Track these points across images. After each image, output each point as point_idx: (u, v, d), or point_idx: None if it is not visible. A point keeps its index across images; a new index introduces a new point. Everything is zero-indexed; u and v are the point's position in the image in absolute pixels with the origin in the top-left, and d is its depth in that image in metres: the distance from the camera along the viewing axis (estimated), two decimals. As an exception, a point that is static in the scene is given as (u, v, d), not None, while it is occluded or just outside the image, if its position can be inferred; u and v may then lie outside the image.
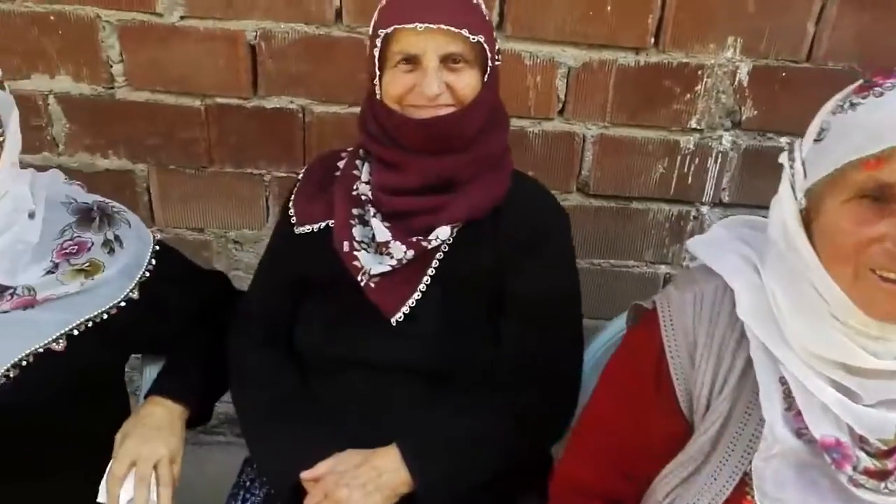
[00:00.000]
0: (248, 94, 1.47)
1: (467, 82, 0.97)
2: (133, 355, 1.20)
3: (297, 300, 1.12)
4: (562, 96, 1.48)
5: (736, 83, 1.47)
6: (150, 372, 1.21)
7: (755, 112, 1.49)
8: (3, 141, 0.93)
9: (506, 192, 1.04)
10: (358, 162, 1.09)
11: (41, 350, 0.96)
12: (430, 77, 0.95)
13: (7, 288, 0.95)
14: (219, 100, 1.48)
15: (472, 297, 1.04)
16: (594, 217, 1.59)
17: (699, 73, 1.46)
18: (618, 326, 1.13)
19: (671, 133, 1.51)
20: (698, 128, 1.50)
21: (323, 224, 1.08)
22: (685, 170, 1.54)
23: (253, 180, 1.57)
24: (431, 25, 0.92)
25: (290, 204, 1.13)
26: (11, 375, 0.94)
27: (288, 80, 1.46)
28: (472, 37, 0.94)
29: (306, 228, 1.09)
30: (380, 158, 1.04)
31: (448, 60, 0.96)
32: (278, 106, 1.49)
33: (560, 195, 1.54)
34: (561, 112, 1.50)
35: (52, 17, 1.39)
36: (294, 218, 1.11)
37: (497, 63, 1.02)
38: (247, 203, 1.59)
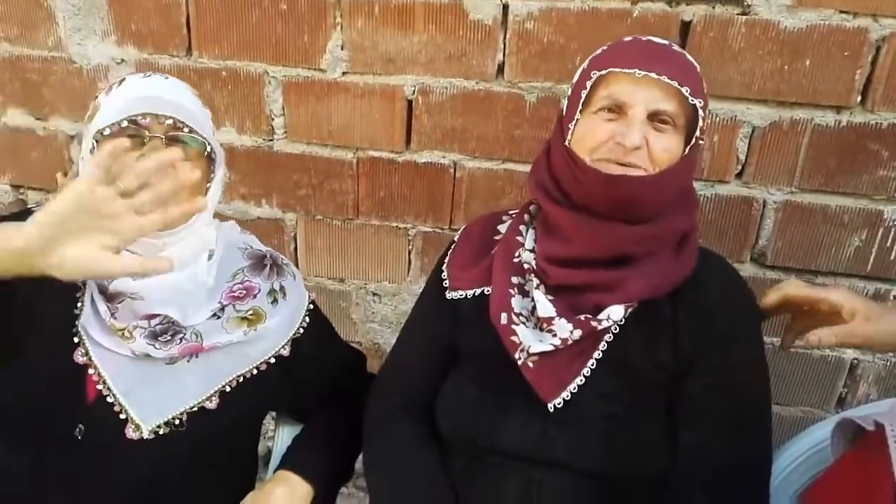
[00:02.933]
0: (400, 147, 1.49)
1: (667, 146, 0.92)
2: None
3: (442, 370, 1.07)
4: (742, 158, 1.37)
5: (959, 148, 1.29)
6: (282, 436, 1.21)
7: (983, 183, 1.30)
8: (209, 187, 1.01)
9: (688, 273, 0.95)
10: (522, 227, 1.04)
11: (195, 409, 0.99)
12: (634, 127, 0.90)
13: (179, 331, 0.98)
14: (371, 153, 1.51)
15: (642, 388, 0.94)
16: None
17: (914, 135, 1.30)
18: (814, 438, 1.00)
19: (874, 202, 1.35)
20: (909, 198, 1.33)
21: (478, 291, 1.04)
22: (888, 244, 1.37)
23: (397, 234, 1.58)
24: (651, 74, 0.89)
25: (444, 266, 1.10)
26: (162, 432, 0.97)
27: (442, 134, 1.46)
28: (691, 98, 0.90)
29: (459, 294, 1.06)
30: (548, 221, 0.98)
31: (655, 118, 0.91)
32: (430, 160, 1.49)
33: (732, 265, 1.42)
34: (739, 175, 1.39)
35: (223, 73, 1.48)
36: (447, 282, 1.08)
37: (701, 142, 0.95)
38: (389, 256, 1.61)
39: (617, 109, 0.92)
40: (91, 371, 0.96)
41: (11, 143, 1.63)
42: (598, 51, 0.99)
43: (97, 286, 0.97)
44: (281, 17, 1.42)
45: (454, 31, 1.38)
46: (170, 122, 0.94)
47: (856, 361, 1.48)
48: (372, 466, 1.07)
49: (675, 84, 0.89)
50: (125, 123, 0.92)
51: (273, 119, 1.51)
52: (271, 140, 1.53)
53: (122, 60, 1.51)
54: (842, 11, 1.25)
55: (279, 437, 1.23)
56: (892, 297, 1.40)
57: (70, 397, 0.96)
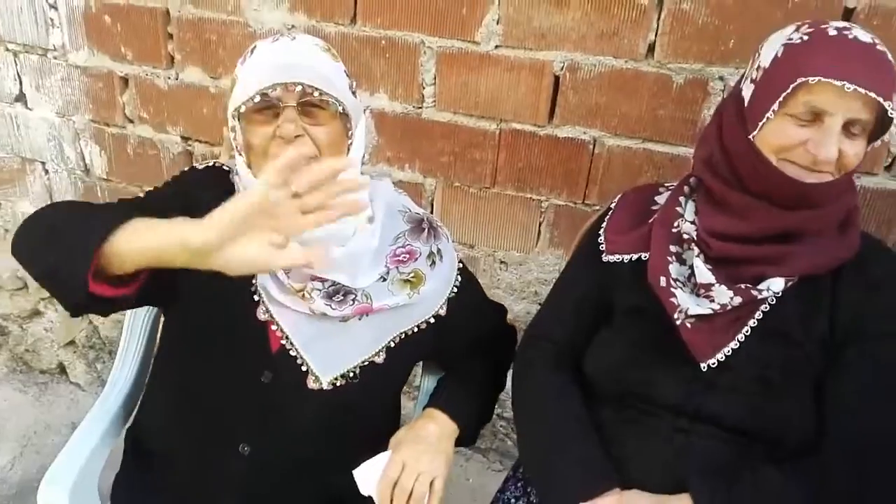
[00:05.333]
0: (543, 121, 1.58)
1: (856, 152, 0.94)
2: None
3: (593, 326, 1.15)
4: (893, 150, 1.38)
5: None
6: (428, 382, 1.33)
7: None
8: (351, 143, 1.08)
9: (853, 253, 0.99)
10: (682, 199, 1.10)
11: (367, 363, 1.11)
12: (831, 139, 0.92)
13: (350, 293, 1.08)
14: (514, 125, 1.60)
15: (795, 359, 0.99)
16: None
17: None
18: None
19: None
20: None
21: (635, 256, 1.11)
22: None
23: (530, 205, 1.67)
24: (860, 90, 0.88)
25: (602, 230, 1.17)
26: (339, 384, 1.09)
27: (585, 110, 1.54)
28: (891, 112, 0.90)
29: (616, 258, 1.13)
30: (720, 200, 1.03)
31: (849, 127, 0.93)
32: (570, 136, 1.57)
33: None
34: (889, 167, 1.39)
35: (383, 42, 1.62)
36: (604, 245, 1.15)
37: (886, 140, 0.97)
38: (521, 226, 1.70)
39: (813, 116, 0.93)
40: (274, 327, 1.08)
41: (186, 98, 1.83)
42: (793, 39, 0.96)
43: None
44: (442, -10, 1.53)
45: (609, 9, 1.45)
46: (299, 88, 0.97)
47: None
48: (522, 409, 1.17)
49: (881, 100, 0.89)
50: (257, 98, 0.97)
51: (424, 88, 1.63)
52: (420, 108, 1.65)
53: (293, 26, 1.67)
54: None
55: (424, 381, 1.36)
56: None
57: (257, 347, 1.08)
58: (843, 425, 0.96)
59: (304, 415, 1.09)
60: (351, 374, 1.09)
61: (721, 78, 1.43)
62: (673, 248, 1.06)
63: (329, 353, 1.09)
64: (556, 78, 1.54)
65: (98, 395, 1.33)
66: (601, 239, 1.16)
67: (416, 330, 1.14)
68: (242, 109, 0.99)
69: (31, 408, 2.32)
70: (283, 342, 1.08)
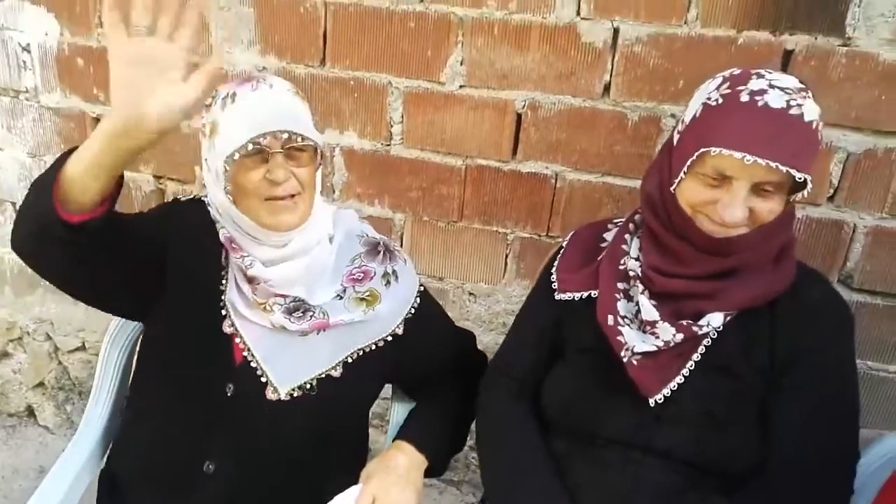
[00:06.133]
0: (507, 157, 1.65)
1: (771, 209, 0.98)
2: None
3: (549, 362, 1.20)
4: (835, 182, 1.47)
5: None
6: (399, 413, 1.36)
7: None
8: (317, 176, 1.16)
9: (787, 284, 1.05)
10: (627, 237, 1.15)
11: (324, 376, 1.16)
12: (736, 205, 0.96)
13: (308, 309, 1.15)
14: (479, 161, 1.67)
15: (738, 391, 1.04)
16: (856, 313, 1.51)
17: None
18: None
19: (965, 232, 1.43)
20: None
21: (585, 294, 1.16)
22: (978, 274, 1.44)
23: (497, 238, 1.73)
24: (760, 161, 0.91)
25: (553, 270, 1.23)
26: (296, 395, 1.14)
27: (546, 146, 1.62)
28: (798, 175, 0.92)
29: (567, 296, 1.18)
30: (657, 241, 1.08)
31: (760, 187, 0.96)
32: (533, 170, 1.65)
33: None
34: (831, 198, 1.49)
35: (351, 82, 1.68)
36: (556, 284, 1.21)
37: (809, 186, 0.97)
38: (488, 258, 1.76)
39: (721, 179, 0.97)
40: (237, 340, 1.14)
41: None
42: (711, 99, 0.99)
43: (239, 269, 1.14)
44: (408, 33, 1.61)
45: (566, 51, 1.54)
46: (286, 136, 1.06)
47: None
48: (483, 439, 1.22)
49: (782, 168, 0.91)
50: (250, 147, 1.04)
51: (392, 126, 1.70)
52: (389, 145, 1.72)
53: (264, 68, 1.73)
54: (942, 47, 1.35)
55: (394, 412, 1.39)
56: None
57: (222, 360, 1.14)
58: (787, 451, 1.01)
59: (265, 427, 1.13)
60: (308, 386, 1.14)
61: (673, 115, 1.52)
62: (620, 286, 1.11)
63: (287, 365, 1.14)
64: (519, 116, 1.61)
65: (68, 437, 1.34)
66: (553, 278, 1.21)
67: (373, 347, 1.19)
68: (235, 157, 1.06)
69: (-1, 452, 2.30)
70: (245, 354, 1.14)
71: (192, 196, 1.28)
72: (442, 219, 1.75)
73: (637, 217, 1.17)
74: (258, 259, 1.12)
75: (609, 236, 1.21)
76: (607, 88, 1.54)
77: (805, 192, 0.98)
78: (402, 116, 1.68)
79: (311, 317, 1.14)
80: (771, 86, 0.96)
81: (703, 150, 0.96)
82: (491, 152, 1.66)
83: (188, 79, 0.88)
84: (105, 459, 1.30)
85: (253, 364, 1.14)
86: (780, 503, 0.99)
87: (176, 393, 1.16)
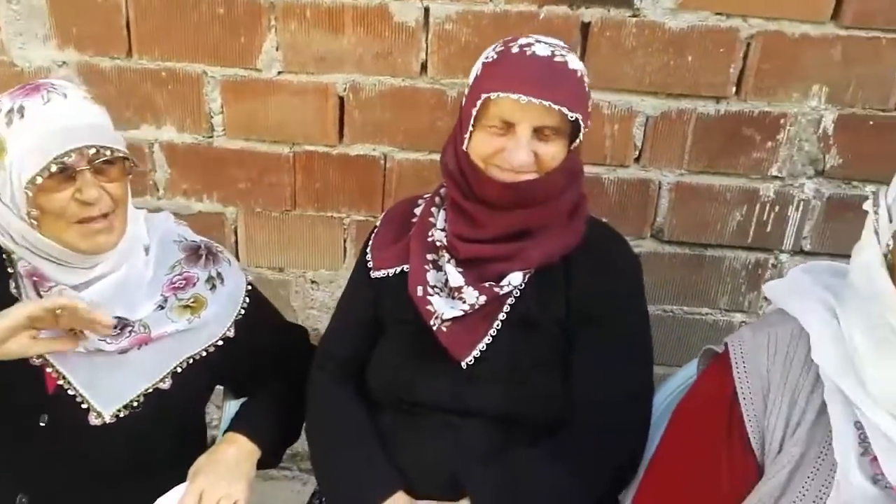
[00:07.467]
0: (334, 141, 1.65)
1: (554, 153, 1.06)
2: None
3: (371, 340, 1.23)
4: (638, 144, 1.59)
5: (820, 131, 1.55)
6: (230, 408, 1.34)
7: (840, 160, 1.56)
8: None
9: (579, 239, 1.13)
10: (434, 209, 1.20)
11: (151, 390, 1.12)
12: (521, 147, 1.04)
13: (127, 325, 1.10)
14: (307, 147, 1.66)
15: (543, 343, 1.11)
16: (668, 264, 1.67)
17: (781, 121, 1.55)
18: (688, 373, 1.20)
19: (751, 181, 1.59)
20: (779, 175, 1.58)
21: (398, 269, 1.20)
22: (764, 217, 1.61)
23: (333, 223, 1.74)
24: (534, 100, 1.00)
25: (368, 249, 1.26)
26: (122, 415, 1.09)
27: (372, 128, 1.63)
28: (570, 114, 1.02)
29: (382, 273, 1.21)
30: (456, 206, 1.14)
31: (540, 131, 1.05)
32: (362, 153, 1.66)
33: (634, 241, 1.64)
34: (637, 160, 1.61)
35: (163, 73, 1.62)
36: (371, 263, 1.24)
37: (586, 130, 1.08)
38: (326, 245, 1.76)
39: (505, 127, 1.05)
40: (49, 370, 1.08)
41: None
42: (488, 57, 1.09)
43: (37, 294, 1.07)
44: (218, 20, 1.56)
45: (380, 32, 1.56)
46: (92, 150, 1.00)
47: (743, 324, 1.71)
48: (310, 427, 1.23)
49: (554, 106, 1.00)
50: (54, 168, 0.97)
51: (212, 117, 1.65)
52: (211, 137, 1.67)
53: (64, 63, 1.62)
54: (717, 13, 1.49)
55: (226, 408, 1.36)
56: (770, 265, 1.64)
57: (32, 391, 1.08)
58: (587, 394, 1.09)
59: (92, 454, 1.09)
60: (135, 404, 1.10)
61: (488, 90, 1.58)
62: (430, 257, 1.16)
63: (109, 386, 1.09)
64: (341, 99, 1.62)
65: None
66: (368, 257, 1.25)
67: (203, 354, 1.16)
68: (38, 181, 0.97)
69: None
70: (60, 382, 1.08)
71: None
72: (275, 208, 1.73)
73: (443, 190, 1.22)
74: (66, 284, 1.06)
75: (419, 211, 1.25)
76: (424, 67, 1.58)
77: (580, 138, 1.08)
78: (222, 107, 1.64)
79: (130, 333, 1.10)
80: (538, 41, 1.07)
81: (483, 96, 1.04)
82: (317, 137, 1.65)
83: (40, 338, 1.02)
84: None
85: (70, 391, 1.08)
86: (582, 444, 1.07)
87: None
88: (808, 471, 0.84)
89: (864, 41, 1.49)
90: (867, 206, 0.86)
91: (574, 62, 1.07)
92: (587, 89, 1.09)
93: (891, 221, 0.81)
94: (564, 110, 1.01)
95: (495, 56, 1.09)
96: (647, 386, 1.14)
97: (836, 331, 0.86)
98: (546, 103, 1.00)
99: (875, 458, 0.81)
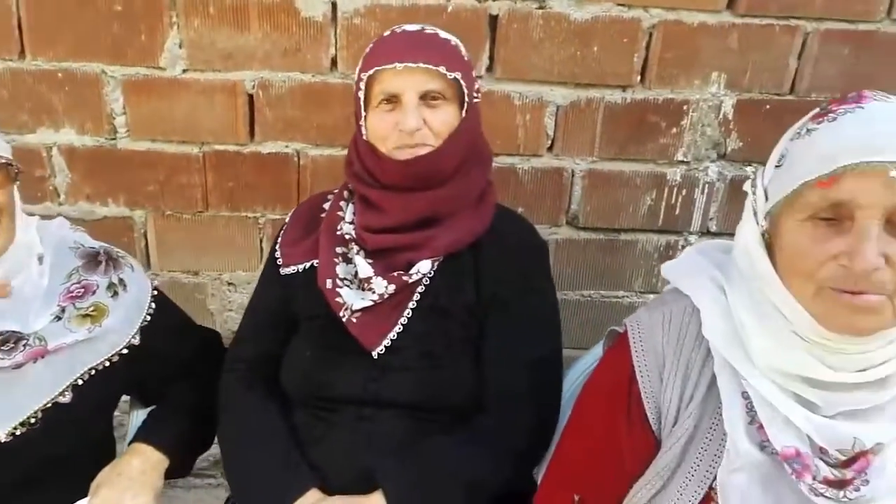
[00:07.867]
0: (244, 140, 1.62)
1: (444, 118, 1.09)
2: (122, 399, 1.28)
3: (283, 338, 1.22)
4: (550, 133, 1.62)
5: (721, 116, 1.61)
6: (137, 417, 1.29)
7: (740, 143, 1.63)
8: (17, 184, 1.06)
9: (486, 226, 1.15)
10: (342, 203, 1.21)
11: (49, 405, 1.07)
12: (409, 112, 1.07)
13: (21, 339, 1.05)
14: (216, 146, 1.62)
15: (454, 329, 1.12)
16: (584, 250, 1.71)
17: (685, 107, 1.60)
18: (597, 353, 1.22)
19: (658, 166, 1.64)
20: (685, 160, 1.63)
21: (308, 264, 1.19)
22: (673, 201, 1.67)
23: (247, 223, 1.70)
24: (410, 64, 1.05)
25: (277, 246, 1.25)
26: (18, 433, 1.04)
27: (284, 125, 1.61)
28: (449, 74, 1.06)
29: (291, 269, 1.21)
30: (362, 198, 1.15)
31: (427, 98, 1.08)
32: (274, 151, 1.63)
33: (550, 229, 1.67)
34: (550, 148, 1.63)
35: (59, 75, 1.55)
36: (280, 259, 1.23)
37: (476, 100, 1.13)
38: (241, 245, 1.73)
39: (393, 100, 1.08)
40: None
41: None
42: (367, 48, 1.15)
43: None
44: (116, 17, 1.51)
45: (288, 28, 1.53)
46: None
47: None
48: (221, 432, 1.21)
49: (431, 67, 1.05)
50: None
51: (115, 118, 1.59)
52: (114, 139, 1.61)
53: (-51, 64, 1.54)
54: (619, 4, 1.53)
55: (133, 418, 1.32)
56: (679, 247, 1.70)
57: None
58: (497, 378, 1.10)
59: None
60: (32, 420, 1.06)
61: (399, 84, 1.57)
62: (339, 250, 1.16)
63: (4, 403, 1.04)
64: (251, 96, 1.59)
65: None
66: (277, 254, 1.23)
67: (107, 364, 1.12)
68: None
69: None
70: None
71: None
72: (186, 210, 1.68)
73: (350, 184, 1.21)
74: None
75: (328, 206, 1.25)
76: (335, 62, 1.57)
77: (467, 100, 1.11)
78: (124, 107, 1.58)
79: (24, 346, 1.04)
80: (412, 24, 1.15)
81: (364, 76, 1.09)
82: (227, 136, 1.62)
83: None
84: None
85: None
86: (493, 428, 1.09)
87: None
88: (702, 442, 0.88)
89: (759, 28, 1.55)
90: (746, 186, 0.90)
91: (445, 34, 1.13)
92: (466, 58, 1.14)
93: (766, 201, 0.85)
94: (442, 69, 1.05)
95: (371, 45, 1.14)
96: (556, 366, 1.16)
97: (724, 307, 0.89)
98: (422, 65, 1.04)
99: (761, 426, 0.84)
